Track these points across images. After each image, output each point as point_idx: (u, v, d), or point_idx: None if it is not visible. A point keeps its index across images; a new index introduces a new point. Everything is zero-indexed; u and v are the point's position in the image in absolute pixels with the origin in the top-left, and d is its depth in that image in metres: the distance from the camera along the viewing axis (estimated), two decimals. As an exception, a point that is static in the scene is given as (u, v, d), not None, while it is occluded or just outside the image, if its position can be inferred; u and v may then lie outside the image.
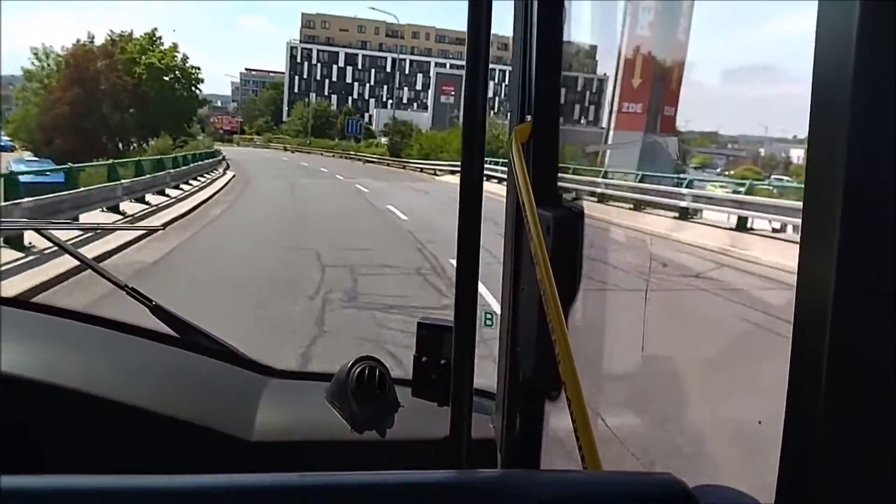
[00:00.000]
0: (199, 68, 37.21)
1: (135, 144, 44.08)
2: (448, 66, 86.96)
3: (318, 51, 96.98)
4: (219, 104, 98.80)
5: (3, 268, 8.66)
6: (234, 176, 29.73)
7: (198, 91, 51.00)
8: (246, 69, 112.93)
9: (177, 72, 47.50)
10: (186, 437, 1.24)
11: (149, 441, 1.24)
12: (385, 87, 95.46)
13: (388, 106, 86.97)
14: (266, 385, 1.43)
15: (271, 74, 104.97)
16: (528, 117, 1.13)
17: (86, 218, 11.74)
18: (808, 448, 0.56)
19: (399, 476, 0.69)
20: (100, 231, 9.38)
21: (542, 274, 0.94)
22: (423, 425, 1.31)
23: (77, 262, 1.62)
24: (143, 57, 45.32)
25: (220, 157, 36.21)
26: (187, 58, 44.13)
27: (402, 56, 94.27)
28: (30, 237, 8.96)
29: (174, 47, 42.68)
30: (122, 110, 43.93)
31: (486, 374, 1.27)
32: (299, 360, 5.53)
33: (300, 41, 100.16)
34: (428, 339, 1.35)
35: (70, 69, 42.04)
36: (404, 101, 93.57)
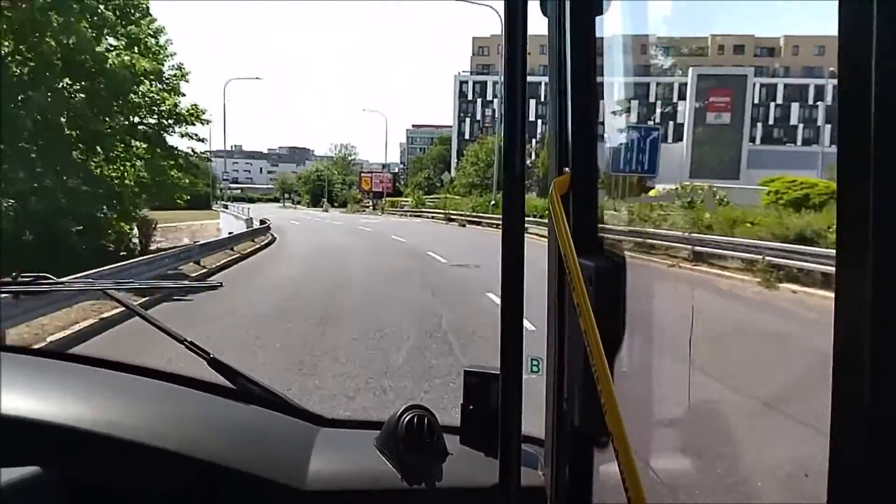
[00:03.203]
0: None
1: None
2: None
3: (495, 83, 73.14)
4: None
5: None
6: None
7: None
8: (413, 126, 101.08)
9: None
10: (242, 487, 1.27)
11: (205, 491, 1.27)
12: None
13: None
14: (318, 434, 1.45)
15: (441, 130, 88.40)
16: (567, 169, 1.16)
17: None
18: (855, 468, 0.56)
19: None
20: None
21: (585, 324, 0.96)
22: (471, 474, 1.31)
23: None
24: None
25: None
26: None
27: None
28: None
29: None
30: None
31: (536, 421, 1.27)
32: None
33: (471, 72, 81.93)
34: (475, 387, 1.36)
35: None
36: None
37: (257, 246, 23.91)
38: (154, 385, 1.52)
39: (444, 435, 1.38)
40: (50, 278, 1.66)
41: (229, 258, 19.24)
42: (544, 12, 1.20)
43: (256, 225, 29.49)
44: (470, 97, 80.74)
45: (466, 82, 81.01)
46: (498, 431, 1.03)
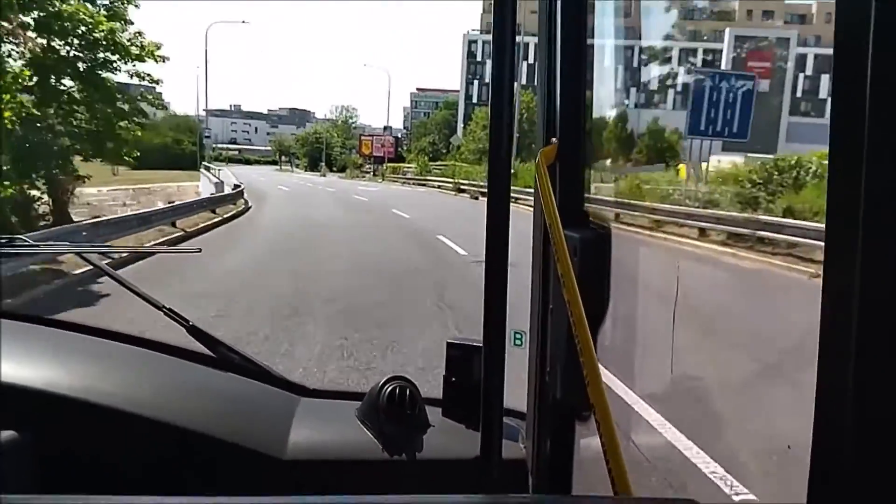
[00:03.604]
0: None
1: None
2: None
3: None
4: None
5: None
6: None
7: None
8: (417, 89, 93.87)
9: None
10: (221, 455, 1.27)
11: (184, 459, 1.27)
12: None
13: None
14: (298, 404, 1.45)
15: (448, 94, 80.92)
16: (554, 140, 1.14)
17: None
18: (838, 460, 0.56)
19: (431, 500, 0.69)
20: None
21: (569, 295, 0.95)
22: (453, 445, 1.31)
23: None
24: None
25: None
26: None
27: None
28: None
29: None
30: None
31: (517, 393, 1.27)
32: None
33: (480, 31, 74.47)
34: (457, 360, 1.36)
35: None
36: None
37: (218, 219, 18.57)
38: (132, 351, 1.51)
39: (426, 407, 1.38)
40: (25, 240, 1.64)
41: (170, 235, 14.48)
42: None
43: (228, 190, 24.44)
44: (479, 58, 75.37)
45: (476, 41, 75.51)
46: (480, 404, 1.02)
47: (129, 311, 4.87)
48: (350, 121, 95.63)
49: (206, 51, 77.03)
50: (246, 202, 23.91)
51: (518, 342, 1.27)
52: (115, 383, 1.37)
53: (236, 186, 25.88)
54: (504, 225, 0.96)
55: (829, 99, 0.56)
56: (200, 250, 2.83)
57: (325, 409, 1.47)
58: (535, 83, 1.20)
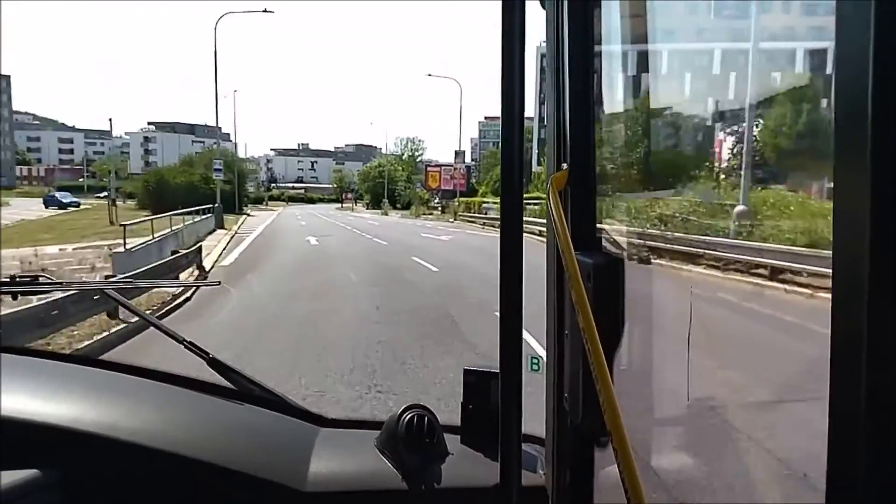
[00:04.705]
0: None
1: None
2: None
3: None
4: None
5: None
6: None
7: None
8: (486, 118, 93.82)
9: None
10: (242, 487, 1.27)
11: (205, 492, 1.28)
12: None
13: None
14: (318, 435, 1.46)
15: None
16: (565, 165, 1.15)
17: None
18: (853, 472, 0.55)
19: None
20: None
21: (584, 321, 0.95)
22: (472, 473, 1.31)
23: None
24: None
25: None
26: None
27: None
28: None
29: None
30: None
31: (537, 419, 1.26)
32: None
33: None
34: (474, 386, 1.37)
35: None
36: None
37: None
38: (153, 386, 1.53)
39: (445, 434, 1.38)
40: (48, 278, 1.68)
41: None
42: (542, 5, 1.18)
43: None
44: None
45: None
46: (498, 431, 1.02)
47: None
48: (416, 153, 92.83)
49: (214, 43, 68.79)
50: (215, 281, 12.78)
51: (535, 368, 1.26)
52: (137, 418, 1.39)
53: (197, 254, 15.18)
54: (518, 251, 0.96)
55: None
56: (220, 283, 2.79)
57: (343, 438, 1.47)
58: (545, 110, 1.20)
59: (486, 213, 40.31)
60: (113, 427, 1.30)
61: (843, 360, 0.56)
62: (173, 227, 21.17)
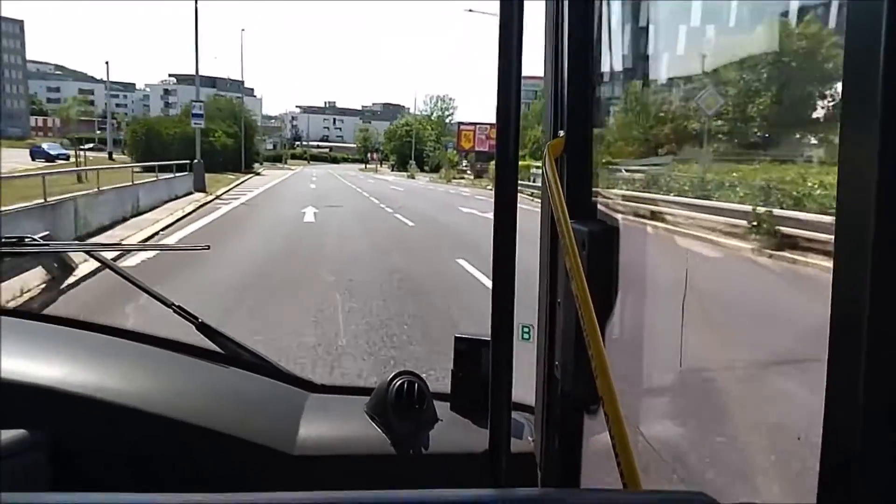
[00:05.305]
0: None
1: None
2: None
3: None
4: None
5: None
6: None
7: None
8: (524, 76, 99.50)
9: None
10: (230, 451, 1.28)
11: (193, 455, 1.28)
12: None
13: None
14: (307, 399, 1.46)
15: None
16: (561, 132, 1.14)
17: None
18: (848, 454, 0.55)
19: (439, 494, 0.68)
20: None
21: (577, 288, 0.95)
22: (461, 440, 1.32)
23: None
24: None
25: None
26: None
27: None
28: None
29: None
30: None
31: (526, 387, 1.27)
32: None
33: None
34: (465, 354, 1.37)
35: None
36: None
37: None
38: (142, 349, 1.53)
39: (435, 401, 1.39)
40: (34, 239, 1.66)
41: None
42: None
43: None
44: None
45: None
46: (488, 398, 1.02)
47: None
48: (446, 113, 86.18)
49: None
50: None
51: (526, 336, 1.26)
52: (125, 381, 1.38)
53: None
54: (511, 219, 0.96)
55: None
56: (209, 247, 2.54)
57: (333, 404, 1.48)
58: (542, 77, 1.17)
59: (532, 181, 26.02)
60: (101, 389, 1.30)
61: (842, 360, 0.56)
62: (135, 183, 18.17)
